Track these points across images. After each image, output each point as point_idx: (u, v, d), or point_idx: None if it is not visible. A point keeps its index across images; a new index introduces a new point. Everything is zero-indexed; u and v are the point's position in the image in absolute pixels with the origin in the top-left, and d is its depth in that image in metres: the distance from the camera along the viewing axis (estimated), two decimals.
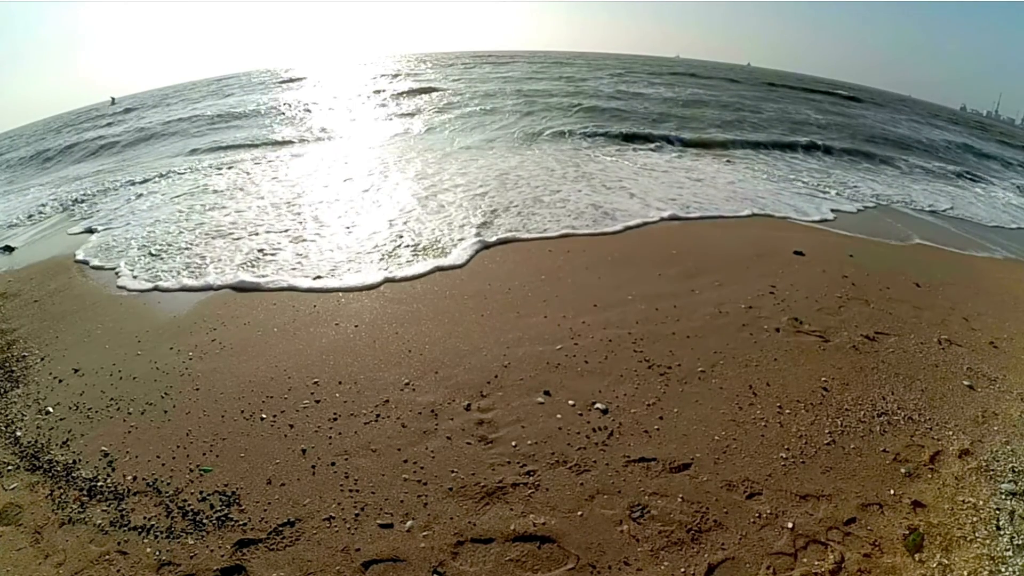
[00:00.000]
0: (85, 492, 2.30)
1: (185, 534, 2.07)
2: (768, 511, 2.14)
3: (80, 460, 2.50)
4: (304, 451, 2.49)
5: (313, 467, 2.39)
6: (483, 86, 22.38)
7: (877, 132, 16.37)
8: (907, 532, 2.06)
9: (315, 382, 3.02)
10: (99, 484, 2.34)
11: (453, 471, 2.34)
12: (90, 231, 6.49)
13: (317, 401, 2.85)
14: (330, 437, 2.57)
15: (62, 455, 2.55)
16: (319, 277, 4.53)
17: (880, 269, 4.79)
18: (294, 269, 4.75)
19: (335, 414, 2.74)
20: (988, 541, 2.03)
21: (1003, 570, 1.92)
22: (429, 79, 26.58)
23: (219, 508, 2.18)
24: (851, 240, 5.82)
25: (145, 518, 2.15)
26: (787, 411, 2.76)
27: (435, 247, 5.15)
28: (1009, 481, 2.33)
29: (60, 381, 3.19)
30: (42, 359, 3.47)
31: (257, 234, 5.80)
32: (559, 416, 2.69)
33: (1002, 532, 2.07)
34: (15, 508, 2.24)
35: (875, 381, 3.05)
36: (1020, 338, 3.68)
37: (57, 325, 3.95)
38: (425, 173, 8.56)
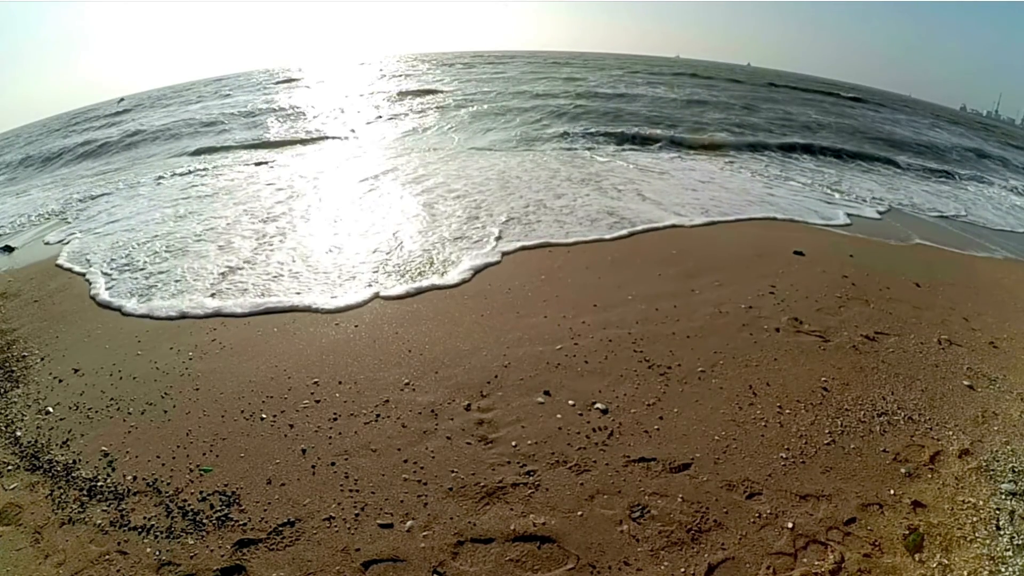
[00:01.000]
0: (85, 492, 2.30)
1: (185, 534, 2.07)
2: (768, 511, 2.14)
3: (80, 460, 2.50)
4: (304, 451, 2.49)
5: (313, 467, 2.39)
6: (483, 87, 22.36)
7: (885, 135, 16.18)
8: (907, 532, 2.06)
9: (315, 382, 3.02)
10: (99, 484, 2.34)
11: (453, 471, 2.34)
12: (63, 242, 6.17)
13: (317, 401, 2.85)
14: (330, 437, 2.57)
15: (62, 455, 2.55)
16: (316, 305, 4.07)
17: (880, 269, 4.79)
18: (278, 279, 4.47)
19: (335, 414, 2.74)
20: (988, 541, 2.03)
21: (1003, 570, 1.92)
22: (429, 80, 26.58)
23: (219, 508, 2.18)
24: (851, 240, 5.82)
25: (145, 518, 2.15)
26: (787, 411, 2.76)
27: (433, 264, 4.72)
28: (1009, 481, 2.33)
29: (60, 381, 3.19)
30: (42, 359, 3.47)
31: (225, 246, 5.41)
32: (559, 416, 2.69)
33: (1002, 532, 2.07)
34: (15, 508, 2.24)
35: (875, 381, 3.05)
36: (1020, 338, 3.67)
37: (57, 325, 3.95)
38: (426, 176, 8.47)
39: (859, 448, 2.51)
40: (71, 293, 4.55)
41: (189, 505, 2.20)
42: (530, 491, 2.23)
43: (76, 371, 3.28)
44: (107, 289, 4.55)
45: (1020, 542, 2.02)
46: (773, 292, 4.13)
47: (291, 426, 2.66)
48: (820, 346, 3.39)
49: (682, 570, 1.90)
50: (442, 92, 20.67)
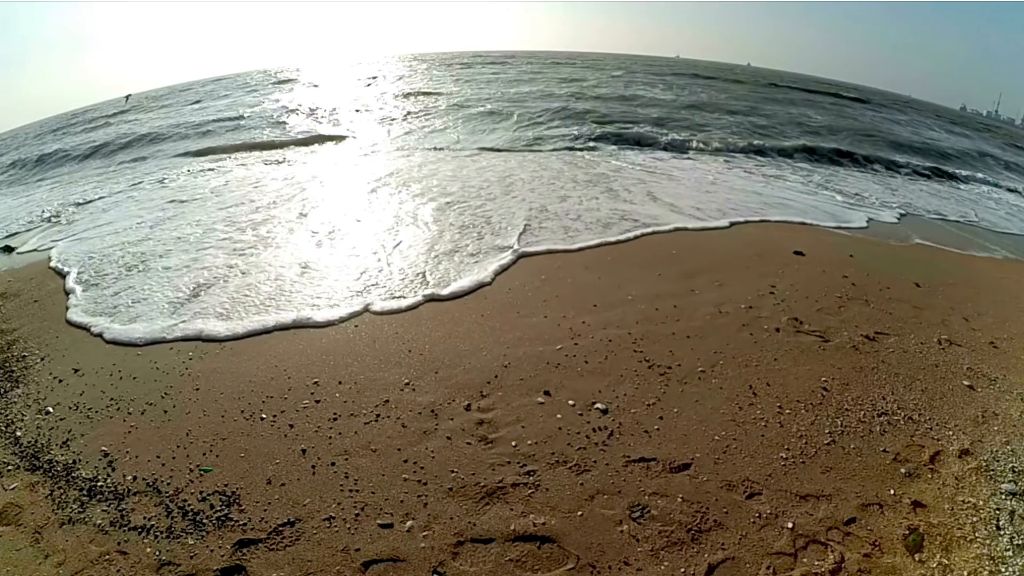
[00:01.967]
0: (85, 492, 2.30)
1: (185, 534, 2.07)
2: (768, 511, 2.14)
3: (80, 460, 2.50)
4: (304, 451, 2.49)
5: (313, 467, 2.39)
6: (484, 87, 22.34)
7: (892, 137, 16.06)
8: (907, 532, 2.06)
9: (315, 382, 3.02)
10: (99, 484, 2.34)
11: (453, 471, 2.34)
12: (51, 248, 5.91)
13: (317, 401, 2.85)
14: (330, 437, 2.57)
15: (62, 455, 2.55)
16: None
17: (880, 269, 4.79)
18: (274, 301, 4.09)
19: (335, 414, 2.74)
20: (988, 541, 2.03)
21: (1003, 570, 1.92)
22: (428, 80, 26.55)
23: (219, 508, 2.18)
24: (851, 240, 5.82)
25: (145, 518, 2.15)
26: (787, 411, 2.76)
27: (428, 279, 4.38)
28: (1009, 481, 2.33)
29: (60, 381, 3.19)
30: (42, 359, 3.47)
31: (202, 261, 5.04)
32: (559, 416, 2.69)
33: (1002, 532, 2.07)
34: (15, 508, 2.23)
35: (875, 381, 3.05)
36: (1020, 338, 3.67)
37: (57, 325, 3.94)
38: (427, 179, 8.42)
39: (859, 448, 2.51)
40: None
41: (189, 505, 2.20)
42: (530, 491, 2.23)
43: (76, 371, 3.28)
44: (96, 292, 4.50)
45: (1020, 542, 2.02)
46: (773, 292, 4.13)
47: (291, 426, 2.66)
48: (820, 346, 3.39)
49: (682, 570, 1.90)
50: (441, 93, 20.62)
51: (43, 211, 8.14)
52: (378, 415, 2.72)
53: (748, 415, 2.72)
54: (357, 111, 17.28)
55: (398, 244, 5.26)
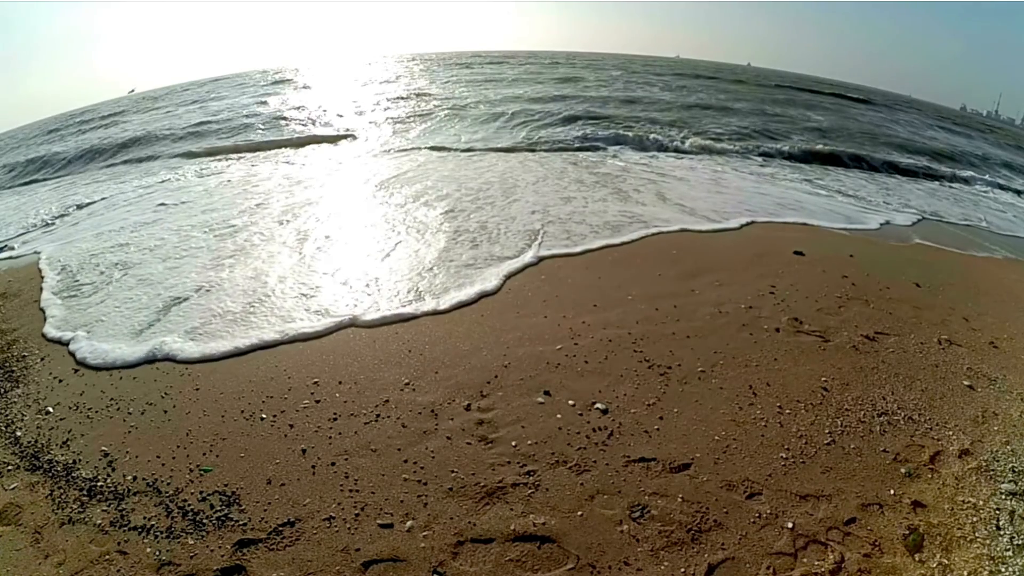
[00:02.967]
0: (85, 492, 2.30)
1: (185, 534, 2.07)
2: (768, 511, 2.14)
3: (80, 460, 2.50)
4: (304, 451, 2.49)
5: (313, 467, 2.39)
6: (485, 88, 22.30)
7: (899, 139, 15.93)
8: (907, 532, 2.06)
9: (315, 382, 3.02)
10: (99, 484, 2.34)
11: (453, 471, 2.34)
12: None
13: (317, 401, 2.85)
14: (330, 437, 2.57)
15: (62, 455, 2.55)
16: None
17: (880, 269, 4.79)
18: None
19: (335, 414, 2.74)
20: (988, 541, 2.03)
21: (1003, 570, 1.92)
22: (427, 80, 26.51)
23: (219, 508, 2.18)
24: (851, 240, 5.82)
25: (145, 518, 2.15)
26: (787, 411, 2.75)
27: (422, 293, 4.13)
28: (1009, 481, 2.33)
29: (60, 381, 3.19)
30: (42, 359, 3.47)
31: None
32: (559, 416, 2.69)
33: (1002, 532, 2.07)
34: (15, 508, 2.24)
35: (875, 381, 3.05)
36: (1020, 338, 3.67)
37: None
38: (428, 180, 8.46)
39: (859, 448, 2.51)
40: None
41: (189, 505, 2.20)
42: (530, 491, 2.23)
43: (76, 371, 3.28)
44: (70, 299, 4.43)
45: (1020, 542, 2.02)
46: (773, 292, 4.13)
47: (291, 426, 2.66)
48: (820, 346, 3.39)
49: (682, 570, 1.90)
50: (441, 93, 20.61)
51: (42, 212, 8.16)
52: (378, 415, 2.72)
53: (748, 415, 2.72)
54: (357, 112, 17.21)
55: (392, 253, 4.99)
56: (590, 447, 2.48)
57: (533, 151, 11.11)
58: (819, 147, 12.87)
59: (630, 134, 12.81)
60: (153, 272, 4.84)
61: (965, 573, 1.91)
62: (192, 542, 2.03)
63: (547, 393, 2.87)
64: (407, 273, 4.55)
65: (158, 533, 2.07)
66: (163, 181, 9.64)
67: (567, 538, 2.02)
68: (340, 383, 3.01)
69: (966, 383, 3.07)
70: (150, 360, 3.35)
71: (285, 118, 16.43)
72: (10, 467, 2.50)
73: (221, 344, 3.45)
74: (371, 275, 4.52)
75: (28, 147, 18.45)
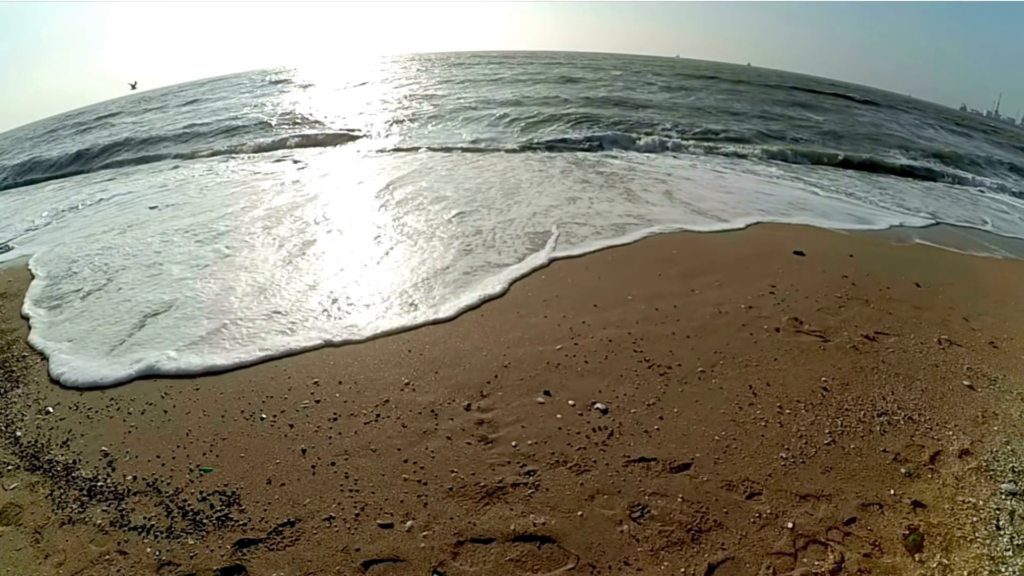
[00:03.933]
0: (85, 492, 2.30)
1: (185, 534, 2.07)
2: (768, 511, 2.14)
3: (80, 460, 2.50)
4: (304, 451, 2.49)
5: (313, 467, 2.39)
6: (484, 88, 22.27)
7: (905, 141, 15.93)
8: (907, 532, 2.06)
9: (315, 382, 3.02)
10: (99, 484, 2.34)
11: (453, 471, 2.34)
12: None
13: (317, 401, 2.85)
14: (330, 437, 2.57)
15: (62, 455, 2.55)
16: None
17: (880, 269, 4.79)
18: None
19: (335, 414, 2.74)
20: (988, 541, 2.03)
21: (1003, 570, 1.92)
22: (426, 80, 26.45)
23: (219, 508, 2.18)
24: (851, 240, 5.82)
25: (145, 518, 2.15)
26: (787, 411, 2.75)
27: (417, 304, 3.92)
28: (1009, 481, 2.33)
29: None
30: (42, 359, 3.47)
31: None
32: (559, 416, 2.69)
33: (1002, 532, 2.07)
34: (15, 508, 2.23)
35: (875, 381, 3.05)
36: (1020, 338, 3.67)
37: None
38: (428, 181, 8.42)
39: (859, 448, 2.51)
40: None
41: (189, 505, 2.20)
42: (530, 491, 2.23)
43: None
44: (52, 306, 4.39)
45: (1020, 542, 2.02)
46: (773, 292, 4.13)
47: (291, 426, 2.66)
48: (820, 346, 3.39)
49: (682, 570, 1.90)
50: (441, 93, 20.57)
51: (42, 212, 8.16)
52: (378, 415, 2.72)
53: (748, 415, 2.72)
54: (357, 113, 17.13)
55: (397, 258, 4.86)
56: (590, 447, 2.48)
57: (535, 151, 11.10)
58: (823, 148, 12.86)
59: (632, 134, 12.81)
60: (178, 271, 4.80)
61: (965, 573, 1.91)
62: (192, 542, 2.03)
63: (547, 393, 2.87)
64: (410, 278, 4.44)
65: (158, 533, 2.07)
66: (166, 181, 9.63)
67: (567, 538, 2.02)
68: (340, 383, 3.01)
69: (966, 383, 3.07)
70: (142, 377, 3.17)
71: (285, 118, 16.38)
72: (10, 467, 2.50)
73: (215, 358, 3.28)
74: (367, 283, 4.37)
75: (32, 146, 18.44)
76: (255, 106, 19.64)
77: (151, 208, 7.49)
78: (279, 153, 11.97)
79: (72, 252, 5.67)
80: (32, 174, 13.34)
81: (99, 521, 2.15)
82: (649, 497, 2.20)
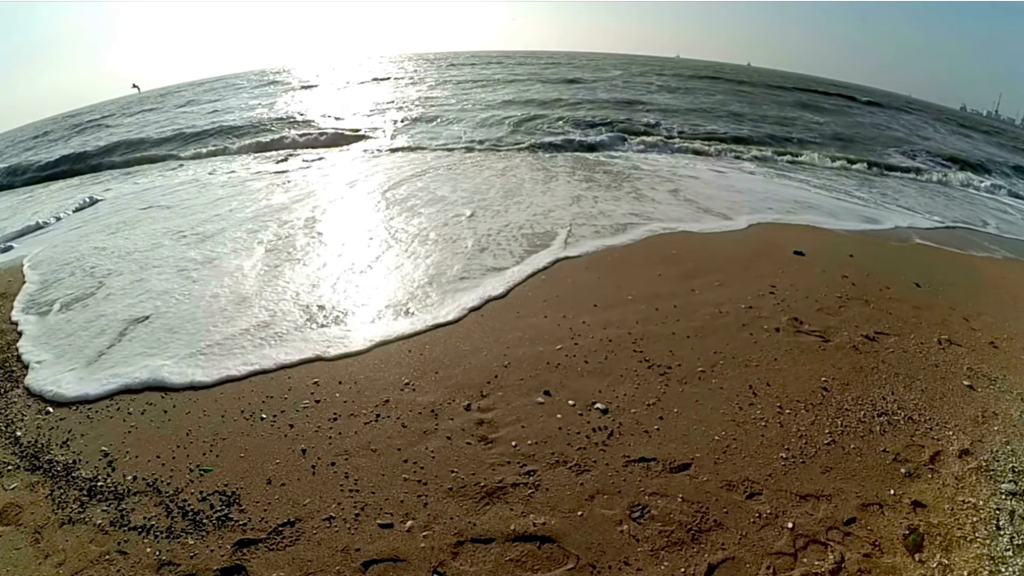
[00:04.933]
0: (85, 492, 2.30)
1: (185, 534, 2.07)
2: (768, 511, 2.14)
3: (80, 460, 2.50)
4: (304, 451, 2.49)
5: (313, 467, 2.39)
6: (484, 88, 22.26)
7: (903, 142, 15.82)
8: (907, 532, 2.06)
9: (315, 382, 3.02)
10: (99, 484, 2.34)
11: (453, 471, 2.34)
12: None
13: (317, 401, 2.85)
14: (330, 437, 2.57)
15: (62, 455, 2.55)
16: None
17: (880, 269, 4.79)
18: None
19: (335, 414, 2.74)
20: (988, 541, 2.03)
21: (1003, 570, 1.92)
22: (426, 80, 26.45)
23: (219, 508, 2.18)
24: (851, 240, 5.82)
25: (145, 518, 2.15)
26: (787, 411, 2.75)
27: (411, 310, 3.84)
28: (1009, 481, 2.33)
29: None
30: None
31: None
32: (559, 416, 2.69)
33: (1002, 532, 2.07)
34: (15, 508, 2.23)
35: (875, 381, 3.05)
36: (1020, 338, 3.67)
37: None
38: (428, 181, 8.40)
39: (859, 448, 2.51)
40: None
41: (189, 505, 2.20)
42: (530, 491, 2.23)
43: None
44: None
45: (1020, 542, 2.02)
46: (773, 292, 4.13)
47: (291, 426, 2.66)
48: (820, 346, 3.39)
49: (682, 570, 1.90)
50: (441, 94, 20.57)
51: (44, 212, 8.16)
52: (378, 415, 2.72)
53: (748, 415, 2.72)
54: (357, 113, 17.12)
55: (387, 260, 4.79)
56: (590, 447, 2.48)
57: (537, 151, 11.09)
58: (827, 149, 12.83)
59: (634, 134, 12.78)
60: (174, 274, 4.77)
61: (965, 573, 1.91)
62: (192, 542, 2.03)
63: (547, 393, 2.87)
64: (413, 281, 4.40)
65: (158, 533, 2.07)
66: (166, 182, 9.63)
67: (567, 538, 2.02)
68: (340, 383, 3.01)
69: (966, 383, 3.07)
70: (138, 390, 3.05)
71: (285, 119, 16.36)
72: (10, 467, 2.50)
73: (210, 371, 3.16)
74: (368, 285, 4.34)
75: (36, 146, 18.43)
76: (256, 107, 19.65)
77: (149, 208, 7.50)
78: (279, 153, 11.95)
79: (65, 254, 5.65)
80: (30, 174, 13.33)
81: (99, 521, 2.15)
82: (649, 497, 2.20)
